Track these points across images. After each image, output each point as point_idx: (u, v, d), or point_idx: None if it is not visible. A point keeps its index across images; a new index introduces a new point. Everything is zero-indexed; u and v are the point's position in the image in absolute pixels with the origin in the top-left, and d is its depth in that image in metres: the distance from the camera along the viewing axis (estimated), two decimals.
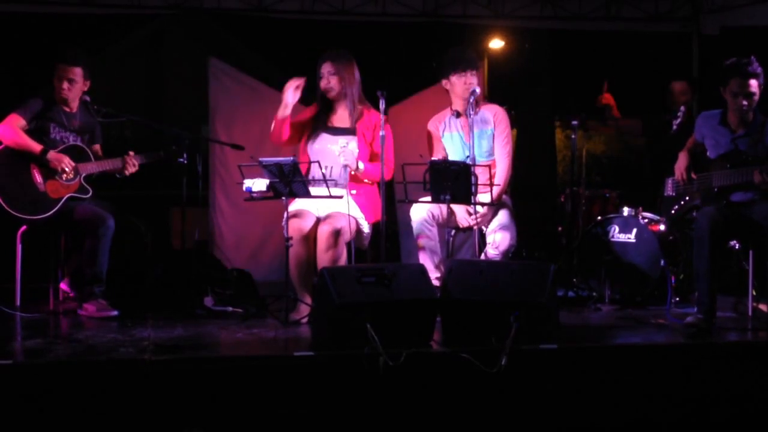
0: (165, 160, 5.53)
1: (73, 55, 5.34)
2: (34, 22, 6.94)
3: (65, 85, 5.32)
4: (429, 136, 5.67)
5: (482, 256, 5.30)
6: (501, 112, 5.58)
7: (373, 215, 5.30)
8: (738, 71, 4.91)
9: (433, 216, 5.33)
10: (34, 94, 5.34)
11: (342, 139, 5.24)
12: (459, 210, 5.36)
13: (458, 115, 5.54)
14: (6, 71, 6.84)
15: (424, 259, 5.28)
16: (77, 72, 5.34)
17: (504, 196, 5.50)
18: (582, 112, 6.14)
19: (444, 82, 5.54)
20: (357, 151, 5.22)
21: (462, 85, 5.46)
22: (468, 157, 5.34)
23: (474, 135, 5.38)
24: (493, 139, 5.52)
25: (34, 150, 5.20)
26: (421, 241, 5.34)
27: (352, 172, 5.21)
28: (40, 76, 5.47)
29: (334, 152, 5.24)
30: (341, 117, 5.41)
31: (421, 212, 5.33)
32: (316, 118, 5.44)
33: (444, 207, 5.18)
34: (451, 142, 5.58)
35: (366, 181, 5.31)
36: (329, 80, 5.35)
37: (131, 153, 5.44)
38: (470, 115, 5.31)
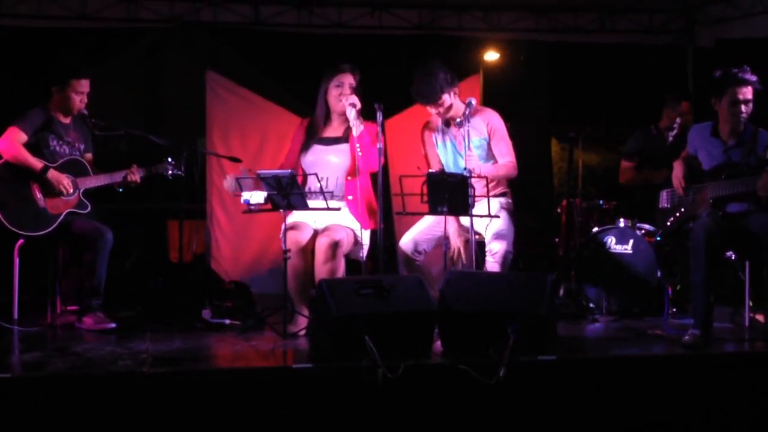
0: (162, 174, 5.54)
1: (84, 68, 5.39)
2: (33, 36, 6.96)
3: (80, 98, 5.36)
4: (423, 143, 5.62)
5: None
6: (494, 118, 5.47)
7: (370, 222, 5.29)
8: (735, 80, 4.92)
9: (417, 248, 5.35)
10: (34, 106, 5.34)
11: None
12: (452, 234, 5.32)
13: (447, 124, 5.50)
14: (5, 85, 6.84)
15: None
16: (88, 84, 5.38)
17: (506, 200, 5.49)
18: (579, 124, 6.15)
19: None
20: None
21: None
22: (465, 169, 5.34)
23: (467, 143, 5.37)
24: (488, 147, 5.47)
25: (34, 167, 5.20)
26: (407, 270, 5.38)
27: (353, 125, 5.17)
28: (39, 89, 5.46)
29: (328, 162, 5.24)
30: (336, 129, 5.39)
31: (407, 246, 5.36)
32: (308, 130, 5.43)
33: (433, 238, 5.29)
34: (445, 151, 5.55)
35: (359, 143, 5.18)
36: (354, 98, 5.23)
37: (134, 167, 5.45)
38: (465, 124, 5.26)
